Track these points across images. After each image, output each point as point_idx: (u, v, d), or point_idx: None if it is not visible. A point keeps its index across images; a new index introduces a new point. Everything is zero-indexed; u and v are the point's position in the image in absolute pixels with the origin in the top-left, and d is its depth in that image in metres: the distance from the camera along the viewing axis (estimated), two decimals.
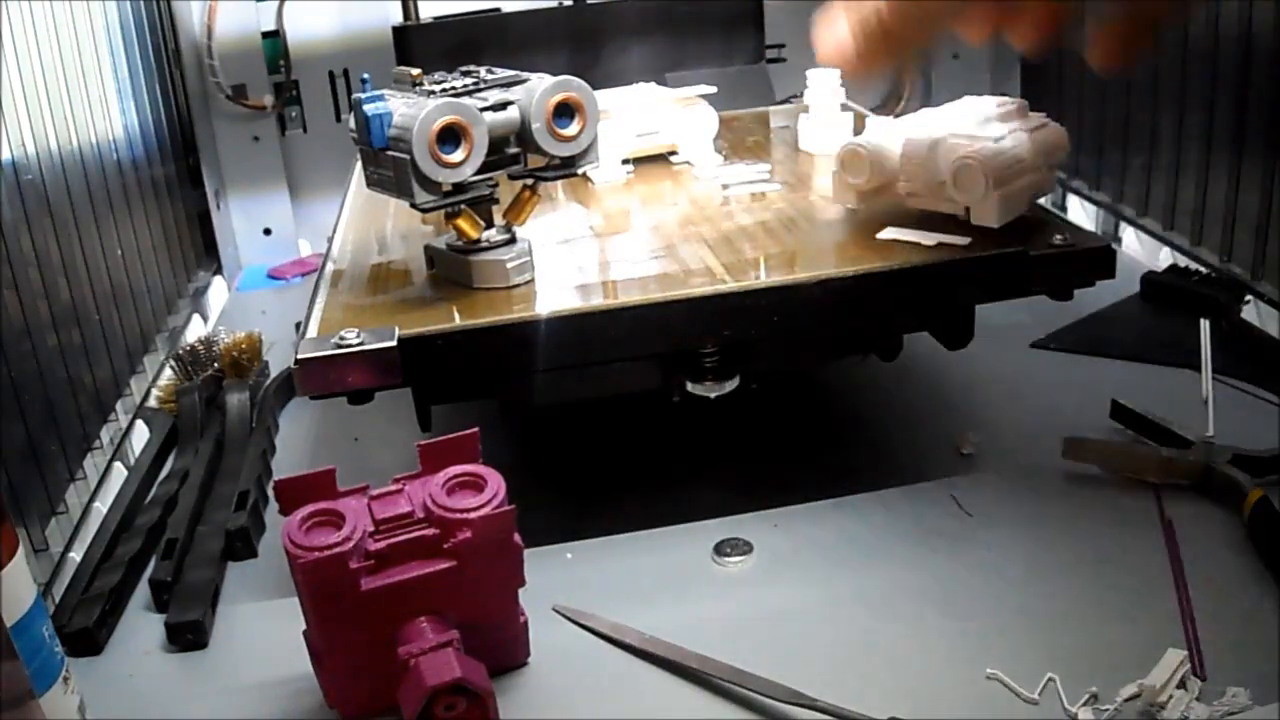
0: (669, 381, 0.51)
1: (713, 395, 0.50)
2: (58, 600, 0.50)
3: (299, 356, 0.46)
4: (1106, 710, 0.39)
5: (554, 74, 0.50)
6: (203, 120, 0.93)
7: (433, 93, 0.49)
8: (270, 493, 0.51)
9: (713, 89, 0.70)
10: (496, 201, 0.52)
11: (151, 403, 0.70)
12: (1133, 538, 0.48)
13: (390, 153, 0.49)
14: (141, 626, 0.50)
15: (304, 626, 0.41)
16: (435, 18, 0.86)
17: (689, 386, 0.51)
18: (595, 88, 0.51)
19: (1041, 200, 0.55)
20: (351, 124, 0.50)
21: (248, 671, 0.46)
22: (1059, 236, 0.50)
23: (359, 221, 0.65)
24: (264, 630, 0.49)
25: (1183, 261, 0.74)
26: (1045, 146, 0.53)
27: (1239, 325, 0.65)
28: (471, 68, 0.53)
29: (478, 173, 0.49)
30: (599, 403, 0.53)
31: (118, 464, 0.63)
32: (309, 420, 0.68)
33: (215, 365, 0.70)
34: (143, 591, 0.52)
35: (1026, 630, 0.43)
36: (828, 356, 0.62)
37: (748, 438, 0.60)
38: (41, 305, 0.57)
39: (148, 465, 0.62)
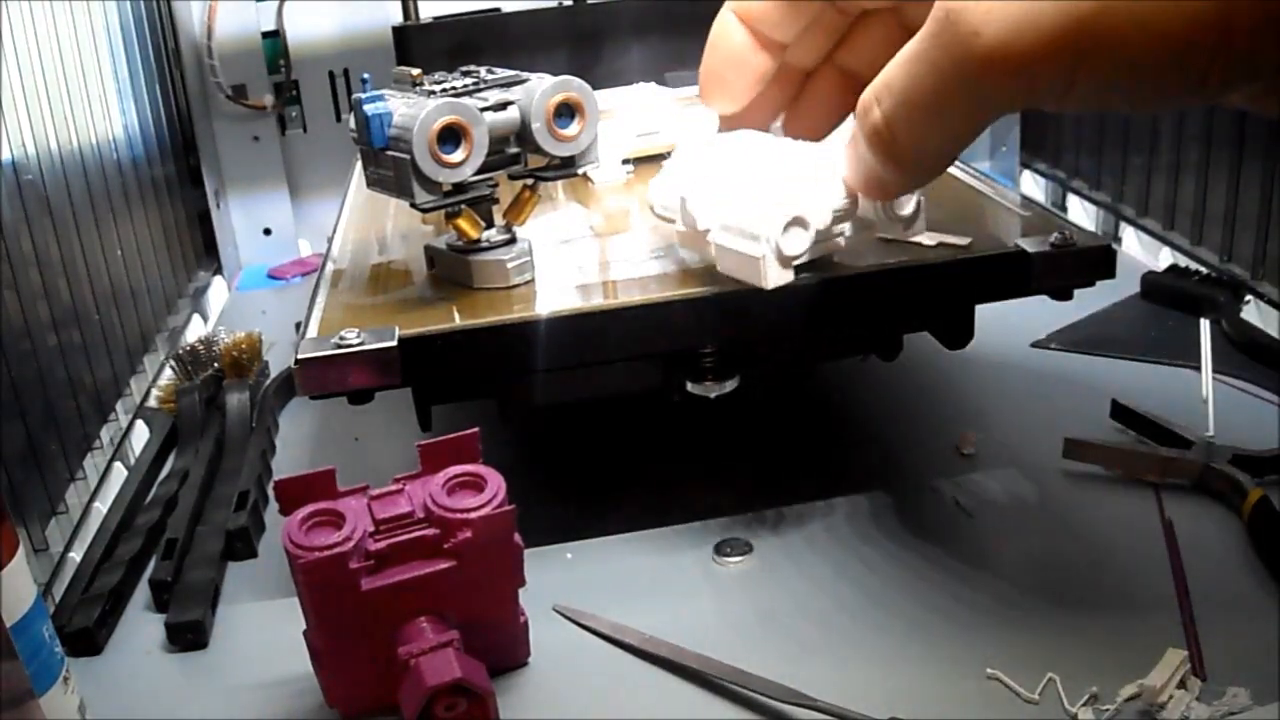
0: (669, 381, 0.51)
1: (713, 395, 0.50)
2: (58, 600, 0.50)
3: (299, 356, 0.46)
4: (1106, 710, 0.39)
5: (554, 74, 0.50)
6: (203, 120, 0.93)
7: (433, 93, 0.49)
8: (270, 493, 0.51)
9: None
10: (496, 201, 0.52)
11: (151, 403, 0.70)
12: (1133, 538, 0.48)
13: (390, 153, 0.49)
14: (141, 626, 0.50)
15: (304, 626, 0.41)
16: (435, 18, 0.86)
17: (689, 386, 0.51)
18: (595, 88, 0.51)
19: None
20: (351, 124, 0.50)
21: (248, 671, 0.46)
22: (1058, 236, 0.50)
23: (359, 221, 0.65)
24: (264, 630, 0.49)
25: (1183, 261, 0.74)
26: None
27: (1239, 325, 0.65)
28: (471, 68, 0.53)
29: (478, 173, 0.49)
30: (599, 403, 0.53)
31: (118, 464, 0.63)
32: (309, 420, 0.68)
33: (215, 365, 0.70)
34: (143, 591, 0.52)
35: (1026, 630, 0.43)
36: (828, 356, 0.62)
37: (748, 438, 0.60)
38: (41, 305, 0.57)
39: (148, 465, 0.62)
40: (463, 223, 0.51)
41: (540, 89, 0.49)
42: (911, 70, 0.35)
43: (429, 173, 0.48)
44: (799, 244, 0.44)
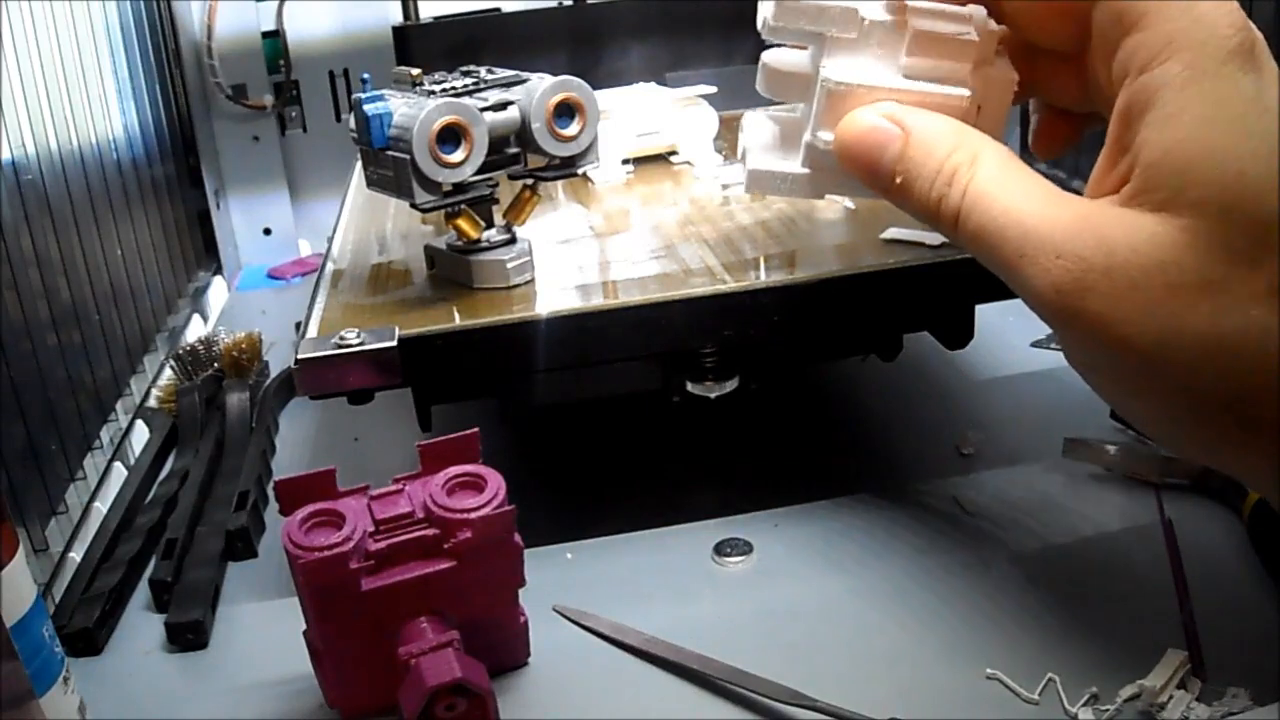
0: (669, 381, 0.51)
1: (713, 395, 0.50)
2: (58, 600, 0.50)
3: (299, 356, 0.46)
4: (1106, 710, 0.39)
5: (554, 74, 0.50)
6: (203, 120, 0.93)
7: (433, 93, 0.49)
8: (270, 493, 0.51)
9: (713, 89, 0.70)
10: (496, 201, 0.52)
11: (151, 403, 0.70)
12: (1133, 538, 0.48)
13: (390, 153, 0.49)
14: (141, 626, 0.50)
15: (304, 626, 0.41)
16: (435, 18, 0.86)
17: (689, 386, 0.51)
18: (595, 88, 0.51)
19: None
20: (351, 124, 0.50)
21: (248, 671, 0.46)
22: None
23: (359, 221, 0.65)
24: (264, 630, 0.49)
25: None
26: None
27: None
28: (471, 68, 0.53)
29: (478, 173, 0.49)
30: (599, 403, 0.53)
31: (118, 464, 0.63)
32: (309, 420, 0.68)
33: (215, 365, 0.70)
34: (143, 591, 0.52)
35: (1026, 630, 0.43)
36: (828, 356, 0.62)
37: (748, 438, 0.60)
38: (41, 305, 0.57)
39: (148, 465, 0.62)
40: (463, 223, 0.51)
41: (540, 89, 0.49)
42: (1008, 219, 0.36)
43: (429, 173, 0.48)
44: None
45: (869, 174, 0.38)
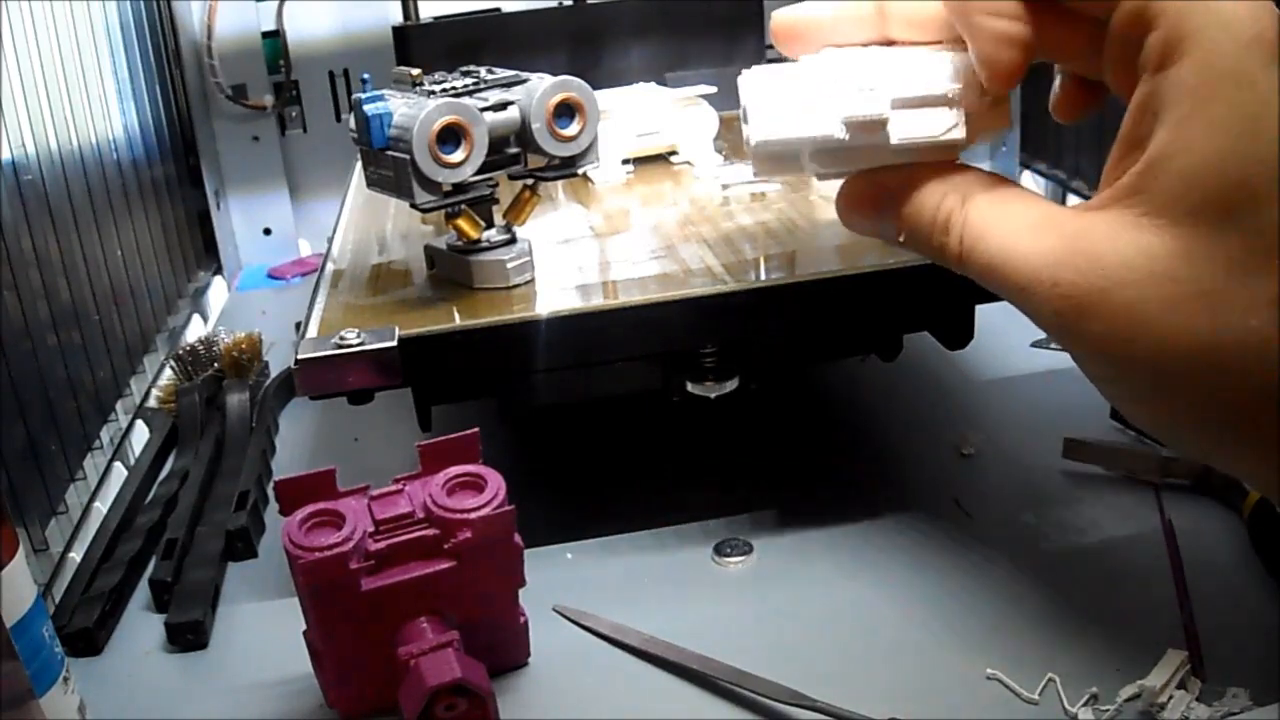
0: (669, 381, 0.51)
1: (713, 395, 0.50)
2: (58, 600, 0.50)
3: (299, 357, 0.46)
4: (1106, 710, 0.39)
5: (554, 74, 0.50)
6: (203, 120, 0.93)
7: (433, 93, 0.49)
8: (270, 493, 0.51)
9: (713, 89, 0.70)
10: (496, 201, 0.52)
11: (151, 403, 0.70)
12: (1133, 538, 0.48)
13: (390, 153, 0.49)
14: (141, 626, 0.50)
15: (304, 626, 0.41)
16: (435, 18, 0.86)
17: (689, 386, 0.51)
18: (595, 88, 0.51)
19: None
20: (351, 124, 0.50)
21: (248, 671, 0.46)
22: None
23: (359, 221, 0.65)
24: (264, 630, 0.49)
25: None
26: None
27: None
28: (471, 68, 0.53)
29: (478, 173, 0.49)
30: (599, 403, 0.53)
31: (118, 464, 0.63)
32: (309, 420, 0.68)
33: (215, 365, 0.70)
34: (143, 591, 0.52)
35: (1026, 630, 0.43)
36: (828, 356, 0.62)
37: (748, 438, 0.60)
38: (41, 305, 0.57)
39: (148, 465, 0.62)
40: (463, 223, 0.51)
41: (540, 89, 0.49)
42: (1010, 244, 0.36)
43: (429, 173, 0.48)
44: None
45: (877, 235, 0.39)
